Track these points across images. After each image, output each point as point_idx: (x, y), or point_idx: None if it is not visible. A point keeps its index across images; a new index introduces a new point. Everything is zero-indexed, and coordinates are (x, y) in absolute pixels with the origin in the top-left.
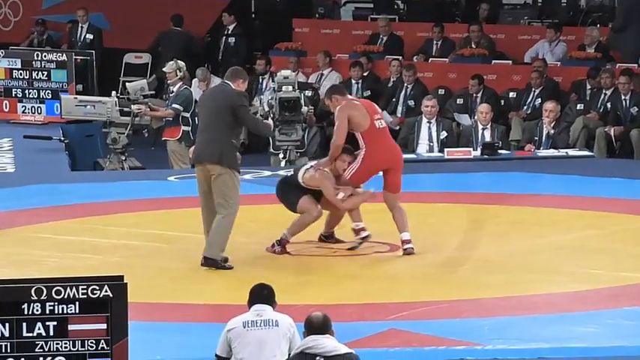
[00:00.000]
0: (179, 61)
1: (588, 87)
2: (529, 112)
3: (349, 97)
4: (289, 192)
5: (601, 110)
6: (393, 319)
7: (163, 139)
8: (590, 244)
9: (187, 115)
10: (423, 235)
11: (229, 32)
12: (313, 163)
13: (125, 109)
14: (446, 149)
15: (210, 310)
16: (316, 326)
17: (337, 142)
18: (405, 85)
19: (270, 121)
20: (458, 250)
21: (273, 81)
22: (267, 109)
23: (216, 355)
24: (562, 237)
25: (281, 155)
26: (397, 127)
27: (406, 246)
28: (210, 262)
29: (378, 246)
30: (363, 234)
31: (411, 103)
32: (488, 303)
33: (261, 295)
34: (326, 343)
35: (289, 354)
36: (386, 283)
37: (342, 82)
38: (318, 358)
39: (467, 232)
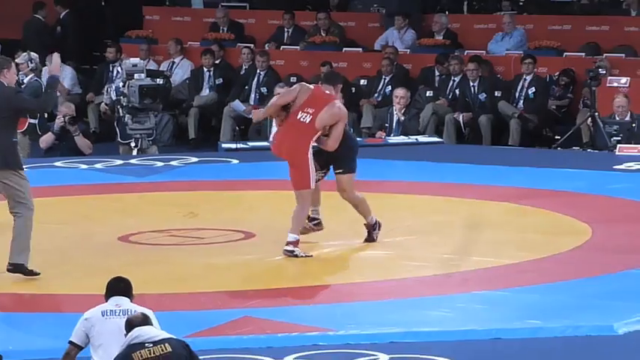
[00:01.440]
0: (32, 53)
1: (437, 74)
2: (380, 99)
3: (330, 86)
4: None
5: (450, 97)
6: (247, 307)
7: None
8: (441, 230)
9: None
10: (278, 223)
11: (60, 20)
12: None
13: None
14: None
15: (58, 301)
16: (136, 323)
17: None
18: (258, 72)
19: (55, 94)
20: (313, 237)
21: (122, 69)
22: (114, 97)
23: (70, 342)
24: (414, 222)
25: (133, 143)
26: (250, 116)
27: (287, 247)
28: (18, 268)
29: (232, 234)
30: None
31: (264, 90)
32: (341, 289)
33: (118, 288)
34: (150, 331)
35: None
36: (240, 271)
37: (193, 70)
38: (147, 344)
39: (324, 219)
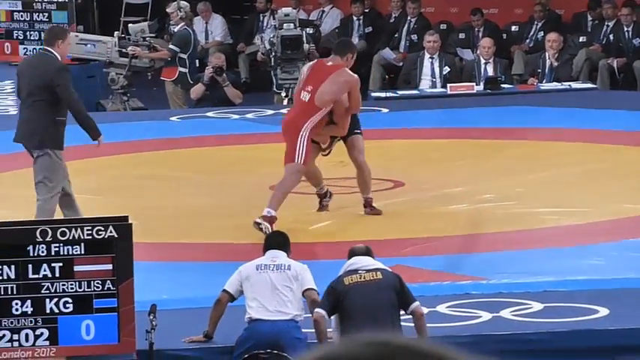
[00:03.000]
0: (181, 1)
1: (590, 19)
2: (531, 45)
3: (334, 57)
4: None
5: (603, 42)
6: (399, 256)
7: (161, 78)
8: (594, 177)
9: (184, 56)
10: (427, 171)
11: None
12: None
13: (124, 50)
14: (449, 84)
15: (213, 249)
16: (357, 252)
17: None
18: (409, 18)
19: (80, 107)
20: (462, 185)
21: (274, 19)
22: (268, 47)
23: (223, 290)
24: (566, 170)
25: (283, 93)
26: (400, 64)
27: (257, 219)
28: None
29: (381, 183)
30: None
31: (414, 37)
32: (493, 237)
33: (277, 241)
34: (367, 260)
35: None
36: (391, 220)
37: (343, 19)
38: (360, 271)
39: (470, 167)
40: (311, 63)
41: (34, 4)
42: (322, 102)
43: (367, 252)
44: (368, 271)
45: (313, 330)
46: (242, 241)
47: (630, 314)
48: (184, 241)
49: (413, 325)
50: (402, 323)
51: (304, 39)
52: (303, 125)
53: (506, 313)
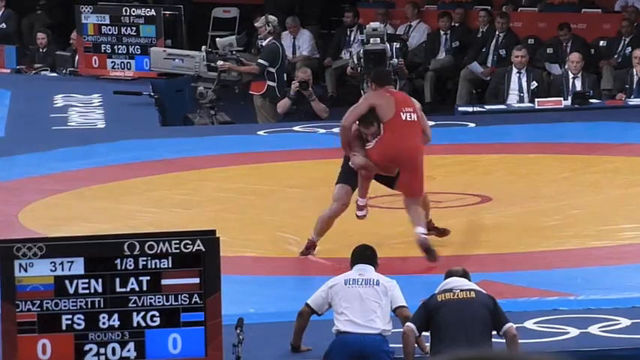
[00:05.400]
0: (270, 16)
1: None
2: (620, 60)
3: (387, 87)
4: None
5: None
6: (486, 271)
7: (250, 92)
8: None
9: (273, 70)
10: (514, 186)
11: None
12: None
13: (212, 65)
14: (536, 99)
15: (299, 263)
16: (455, 273)
17: (344, 123)
18: (497, 33)
19: None
20: (550, 201)
21: (361, 33)
22: (356, 61)
23: (306, 304)
24: None
25: None
26: (488, 78)
27: (420, 235)
28: None
29: (469, 198)
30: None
31: (503, 52)
32: (581, 253)
33: (364, 255)
34: (463, 282)
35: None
36: (477, 235)
37: (430, 34)
38: (454, 289)
39: (558, 182)
40: (377, 92)
41: (122, 17)
42: (424, 124)
43: (464, 274)
44: (462, 290)
45: (401, 345)
46: (327, 255)
47: None
48: (271, 255)
49: (505, 345)
50: (494, 341)
51: (388, 53)
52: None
53: (594, 329)
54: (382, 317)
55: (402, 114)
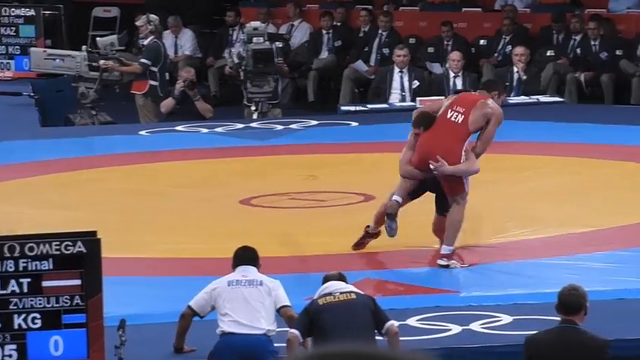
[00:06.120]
0: (151, 15)
1: (554, 31)
2: (500, 58)
3: (480, 91)
4: None
5: (571, 56)
6: (367, 269)
7: (131, 92)
8: (567, 190)
9: (155, 69)
10: (394, 184)
11: None
12: None
13: (94, 64)
14: (418, 98)
15: (183, 264)
16: (332, 277)
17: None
18: (380, 32)
19: None
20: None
21: (243, 33)
22: (237, 61)
23: (188, 306)
24: (539, 183)
25: (253, 107)
26: (372, 77)
27: (439, 261)
28: None
29: (352, 196)
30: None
31: (386, 51)
32: (465, 250)
33: (245, 257)
34: (341, 285)
35: (278, 309)
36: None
37: (312, 33)
38: (334, 293)
39: None
40: (454, 95)
41: (1, 18)
42: (473, 128)
43: (341, 278)
44: (342, 292)
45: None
46: (211, 255)
47: (601, 326)
48: (153, 255)
49: (387, 344)
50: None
51: (274, 53)
52: (461, 151)
53: (476, 326)
54: (267, 317)
55: (449, 111)
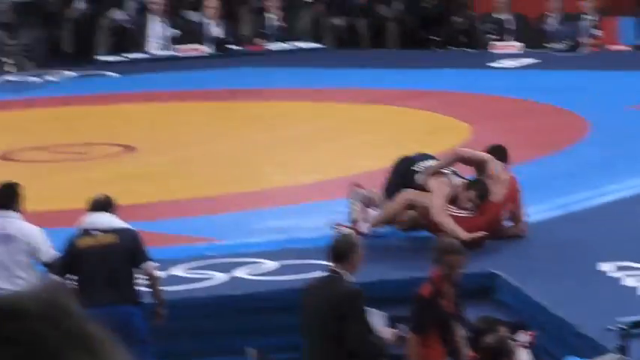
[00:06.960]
0: None
1: None
2: (258, 5)
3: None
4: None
5: (328, 1)
6: (134, 220)
7: None
8: (323, 135)
9: None
10: (159, 135)
11: None
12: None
13: None
14: (177, 47)
15: None
16: (96, 205)
17: None
18: None
19: None
20: (194, 148)
21: None
22: None
23: None
24: (295, 129)
25: (9, 60)
26: (131, 25)
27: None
28: None
29: (112, 148)
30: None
31: None
32: (225, 198)
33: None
34: (104, 219)
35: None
36: (121, 185)
37: None
38: (93, 232)
39: (202, 130)
40: (506, 173)
41: None
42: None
43: (107, 202)
44: (104, 232)
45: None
46: None
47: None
48: None
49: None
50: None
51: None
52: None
53: (241, 273)
54: (27, 270)
55: (502, 210)
